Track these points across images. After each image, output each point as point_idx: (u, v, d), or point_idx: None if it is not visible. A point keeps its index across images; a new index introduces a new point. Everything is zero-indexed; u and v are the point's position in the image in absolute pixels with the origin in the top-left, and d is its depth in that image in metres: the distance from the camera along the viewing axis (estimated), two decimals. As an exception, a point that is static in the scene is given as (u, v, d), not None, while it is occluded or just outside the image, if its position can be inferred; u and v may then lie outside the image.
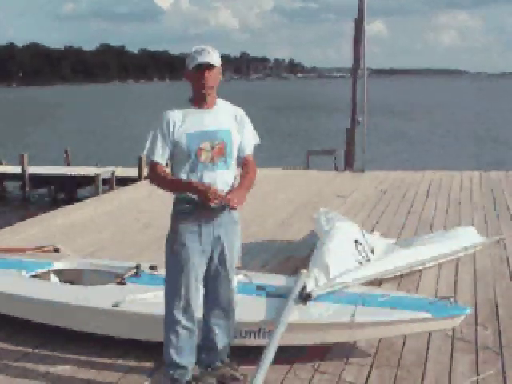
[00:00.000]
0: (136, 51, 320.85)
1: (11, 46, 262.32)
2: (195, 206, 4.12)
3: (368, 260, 6.10)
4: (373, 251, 6.38)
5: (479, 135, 40.97)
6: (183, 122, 4.12)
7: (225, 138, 4.17)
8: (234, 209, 4.18)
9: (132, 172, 19.92)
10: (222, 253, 4.28)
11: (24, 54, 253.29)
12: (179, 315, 4.22)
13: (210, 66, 4.09)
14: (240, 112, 4.34)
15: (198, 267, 4.20)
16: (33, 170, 22.49)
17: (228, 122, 4.23)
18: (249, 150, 4.39)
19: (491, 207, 10.56)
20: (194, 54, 4.09)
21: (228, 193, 4.11)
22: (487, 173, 14.36)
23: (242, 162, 4.37)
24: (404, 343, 5.12)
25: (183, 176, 4.13)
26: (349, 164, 16.15)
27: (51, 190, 23.07)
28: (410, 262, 6.49)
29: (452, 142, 37.47)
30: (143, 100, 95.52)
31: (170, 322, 4.26)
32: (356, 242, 6.23)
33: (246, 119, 4.35)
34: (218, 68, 4.14)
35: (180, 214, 4.18)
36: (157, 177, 4.21)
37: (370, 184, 13.24)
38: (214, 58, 4.10)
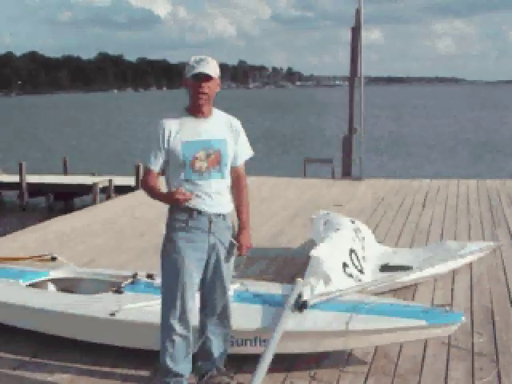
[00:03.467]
0: (134, 60, 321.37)
1: (10, 54, 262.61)
2: (190, 213, 4.15)
3: (361, 271, 6.14)
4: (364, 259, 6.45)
5: (476, 143, 41.03)
6: (179, 130, 4.14)
7: (220, 148, 4.20)
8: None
9: (130, 181, 19.92)
10: (217, 260, 4.31)
11: (22, 62, 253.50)
12: (174, 323, 4.24)
13: (207, 77, 4.12)
14: (235, 122, 4.36)
15: (193, 275, 4.23)
16: (30, 178, 22.50)
17: (223, 131, 4.26)
18: (241, 161, 4.42)
19: (488, 215, 10.58)
20: (193, 63, 4.12)
21: (237, 238, 4.38)
22: (484, 181, 14.40)
23: (234, 175, 4.41)
24: (400, 351, 5.14)
25: (178, 184, 4.16)
26: (346, 172, 16.16)
27: (49, 198, 23.09)
28: (407, 277, 6.52)
29: (449, 150, 37.52)
30: (141, 108, 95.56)
31: (165, 329, 4.28)
32: (352, 251, 6.26)
33: (241, 130, 4.38)
34: (216, 79, 4.17)
35: (175, 222, 4.21)
36: (145, 184, 4.27)
37: (367, 192, 13.27)
38: (213, 69, 4.14)
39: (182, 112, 4.24)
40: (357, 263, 6.28)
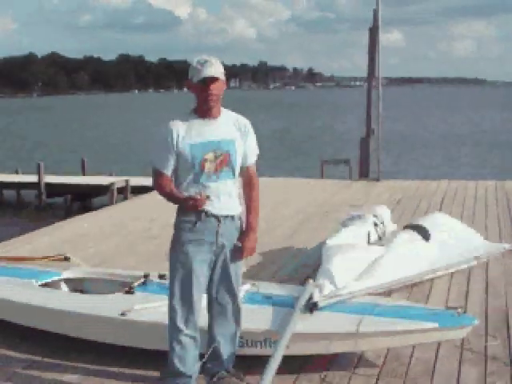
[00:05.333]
0: (155, 61, 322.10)
1: (31, 56, 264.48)
2: (198, 215, 4.14)
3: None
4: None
5: (495, 144, 40.78)
6: (187, 132, 4.12)
7: (229, 149, 4.18)
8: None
9: (147, 181, 19.95)
10: (225, 261, 4.30)
11: (44, 63, 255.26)
12: (181, 324, 4.23)
13: (214, 79, 4.09)
14: (244, 121, 4.33)
15: (200, 276, 4.22)
16: (49, 178, 22.63)
17: (232, 131, 4.23)
18: (251, 160, 4.39)
19: (506, 217, 10.48)
20: (198, 65, 4.09)
21: (242, 239, 4.31)
22: (502, 182, 14.26)
23: (245, 175, 4.38)
24: (412, 354, 5.08)
25: (187, 186, 4.15)
26: (363, 173, 16.12)
27: (67, 199, 23.20)
28: (419, 271, 6.45)
29: (468, 151, 37.32)
30: (161, 109, 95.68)
31: (172, 331, 4.28)
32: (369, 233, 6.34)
33: (250, 129, 4.34)
34: (222, 79, 4.14)
35: (183, 223, 4.19)
36: (161, 187, 4.24)
37: (384, 193, 13.21)
38: (218, 70, 4.10)
39: (190, 114, 4.22)
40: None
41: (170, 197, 4.22)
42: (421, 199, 12.30)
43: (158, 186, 4.26)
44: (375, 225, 7.30)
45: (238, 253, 4.34)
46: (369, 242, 6.99)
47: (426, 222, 7.53)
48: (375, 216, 7.53)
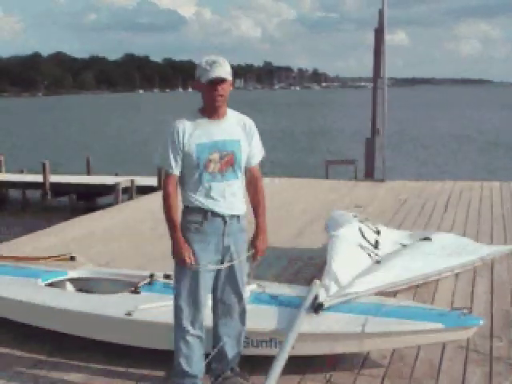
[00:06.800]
0: (160, 61, 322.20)
1: (36, 55, 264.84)
2: (204, 215, 4.14)
3: (376, 259, 6.17)
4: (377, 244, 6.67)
5: (500, 144, 40.70)
6: (193, 132, 4.13)
7: (234, 149, 4.18)
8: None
9: (152, 181, 19.99)
10: (231, 261, 4.29)
11: (49, 63, 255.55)
12: (187, 324, 4.24)
13: (222, 80, 4.09)
14: (249, 122, 4.34)
15: (206, 276, 4.22)
16: (54, 178, 22.66)
17: (237, 132, 4.24)
18: (255, 161, 4.39)
19: (511, 218, 10.46)
20: (206, 65, 4.08)
21: (253, 241, 4.38)
22: (508, 183, 14.23)
23: (249, 175, 4.39)
24: (417, 354, 5.08)
25: (192, 185, 4.16)
26: (369, 174, 16.12)
27: (72, 198, 23.23)
28: (424, 272, 6.45)
29: (473, 151, 37.25)
30: (165, 108, 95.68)
31: (178, 331, 4.28)
32: (360, 246, 6.28)
33: (255, 129, 4.35)
34: (229, 80, 4.15)
35: (189, 224, 4.20)
36: (165, 186, 4.23)
37: (389, 194, 13.19)
38: (226, 71, 4.11)
39: (196, 114, 4.22)
40: (369, 238, 6.64)
41: (166, 213, 4.20)
42: (426, 200, 12.28)
43: (163, 185, 4.27)
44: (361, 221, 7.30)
45: (246, 253, 4.35)
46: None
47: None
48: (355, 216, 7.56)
